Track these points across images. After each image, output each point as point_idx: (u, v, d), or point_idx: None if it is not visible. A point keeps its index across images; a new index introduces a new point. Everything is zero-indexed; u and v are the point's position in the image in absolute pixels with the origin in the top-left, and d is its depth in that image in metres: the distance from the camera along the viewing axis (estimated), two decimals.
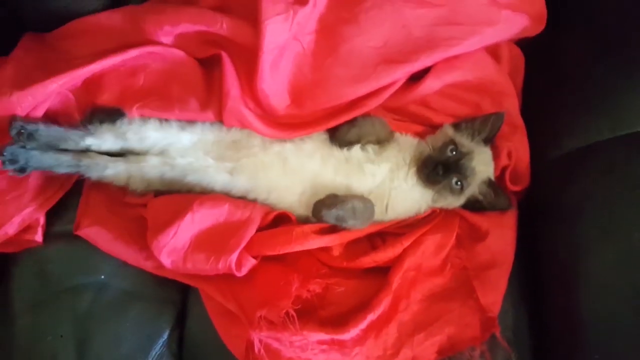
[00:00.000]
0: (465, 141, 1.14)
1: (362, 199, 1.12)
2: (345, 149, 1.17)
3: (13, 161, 1.12)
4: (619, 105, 1.06)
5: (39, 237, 1.18)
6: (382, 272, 1.10)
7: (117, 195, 1.21)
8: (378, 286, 1.08)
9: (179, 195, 1.17)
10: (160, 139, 1.18)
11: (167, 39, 1.18)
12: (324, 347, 1.03)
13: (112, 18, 1.22)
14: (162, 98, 1.17)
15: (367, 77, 1.12)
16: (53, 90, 1.14)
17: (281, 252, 1.10)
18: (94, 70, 1.16)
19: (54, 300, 1.15)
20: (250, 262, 1.08)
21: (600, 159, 1.04)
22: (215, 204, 1.11)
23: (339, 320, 1.05)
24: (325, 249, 1.14)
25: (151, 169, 1.17)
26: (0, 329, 1.17)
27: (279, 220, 1.17)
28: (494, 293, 1.06)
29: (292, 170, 1.16)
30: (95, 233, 1.16)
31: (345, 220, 1.09)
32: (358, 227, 1.12)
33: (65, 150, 1.17)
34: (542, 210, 1.14)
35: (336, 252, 1.14)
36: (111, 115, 1.17)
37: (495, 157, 1.16)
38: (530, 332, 1.11)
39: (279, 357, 1.03)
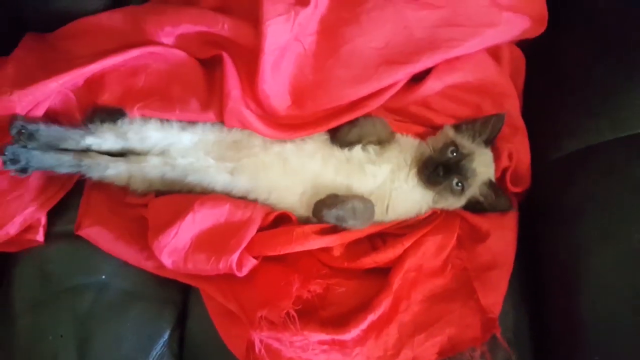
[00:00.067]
0: (466, 142, 1.14)
1: (363, 199, 1.13)
2: (346, 150, 1.17)
3: (14, 161, 1.12)
4: (619, 106, 1.06)
5: (40, 237, 1.18)
6: (383, 272, 1.10)
7: (118, 196, 1.21)
8: (379, 287, 1.08)
9: (179, 196, 1.17)
10: (161, 139, 1.18)
11: (168, 40, 1.18)
12: (325, 347, 1.03)
13: (113, 18, 1.22)
14: (163, 98, 1.17)
15: (368, 78, 1.13)
16: (53, 90, 1.14)
17: (282, 253, 1.10)
18: (95, 70, 1.16)
19: (54, 300, 1.15)
20: (251, 263, 1.09)
21: (600, 161, 1.05)
22: (216, 204, 1.11)
23: (340, 321, 1.05)
24: (326, 250, 1.14)
25: (152, 169, 1.17)
26: (1, 329, 1.17)
27: (280, 220, 1.17)
28: (494, 294, 1.06)
29: (293, 171, 1.16)
30: (96, 233, 1.17)
31: (345, 220, 1.09)
32: (358, 228, 1.12)
33: (66, 150, 1.17)
34: (543, 211, 1.14)
35: (337, 253, 1.14)
36: (112, 114, 1.17)
37: (496, 158, 1.16)
38: (530, 333, 1.11)
39: (280, 357, 1.03)
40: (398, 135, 1.21)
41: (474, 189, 1.13)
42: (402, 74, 1.14)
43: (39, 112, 1.16)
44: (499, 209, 1.13)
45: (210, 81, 1.18)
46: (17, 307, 1.16)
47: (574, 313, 1.00)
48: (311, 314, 1.06)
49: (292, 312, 1.01)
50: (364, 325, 1.04)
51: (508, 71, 1.23)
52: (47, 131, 1.15)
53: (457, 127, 1.17)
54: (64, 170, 1.16)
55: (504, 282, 1.07)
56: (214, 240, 1.09)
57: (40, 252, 1.19)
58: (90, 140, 1.17)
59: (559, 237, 1.07)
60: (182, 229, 1.08)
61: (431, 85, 1.17)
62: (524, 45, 1.25)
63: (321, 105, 1.15)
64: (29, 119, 1.14)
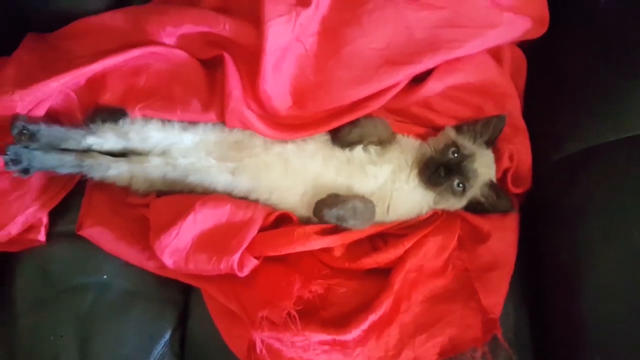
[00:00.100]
0: (467, 143, 1.14)
1: (363, 199, 1.13)
2: (347, 150, 1.17)
3: (16, 161, 1.12)
4: (620, 107, 1.06)
5: (41, 236, 1.19)
6: (384, 273, 1.10)
7: (120, 196, 1.21)
8: (379, 287, 1.08)
9: (181, 196, 1.17)
10: (163, 139, 1.18)
11: (169, 40, 1.18)
12: (326, 347, 1.03)
13: (114, 18, 1.22)
14: (164, 99, 1.17)
15: (369, 79, 1.13)
16: (55, 89, 1.14)
17: (283, 253, 1.10)
18: (96, 70, 1.16)
19: (56, 299, 1.16)
20: (252, 263, 1.09)
21: (602, 162, 1.04)
22: (217, 204, 1.11)
23: (341, 321, 1.05)
24: (327, 250, 1.14)
25: (154, 169, 1.17)
26: (3, 329, 1.17)
27: (281, 220, 1.17)
28: (495, 295, 1.06)
29: (294, 171, 1.16)
30: (97, 233, 1.17)
31: (345, 220, 1.09)
32: (358, 228, 1.12)
33: (68, 150, 1.17)
34: (544, 212, 1.14)
35: (338, 253, 1.14)
36: (114, 114, 1.17)
37: (497, 159, 1.16)
38: (531, 334, 1.11)
39: (281, 357, 1.03)
40: (399, 136, 1.21)
41: (475, 190, 1.13)
42: (403, 74, 1.14)
43: (40, 111, 1.16)
44: (500, 210, 1.13)
45: (212, 81, 1.18)
46: (19, 306, 1.16)
47: (575, 313, 1.00)
48: (312, 314, 1.06)
49: (293, 313, 1.01)
50: (365, 325, 1.04)
51: (509, 72, 1.23)
52: (48, 131, 1.15)
53: (458, 128, 1.17)
54: (65, 170, 1.16)
55: (505, 283, 1.08)
56: (215, 241, 1.09)
57: (42, 252, 1.20)
58: (92, 140, 1.17)
59: (560, 238, 1.07)
60: (184, 229, 1.08)
61: (432, 86, 1.18)
62: (525, 45, 1.25)
63: (322, 106, 1.15)
64: (30, 119, 1.14)
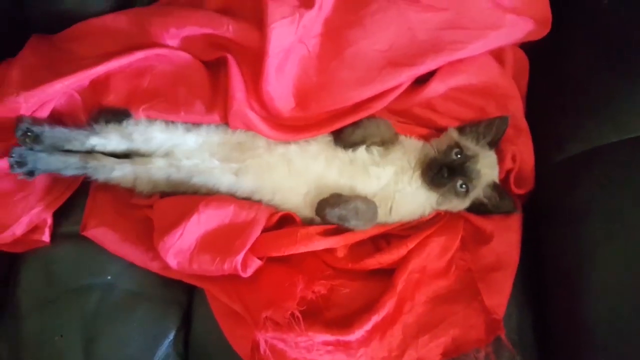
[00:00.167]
0: (470, 144, 1.14)
1: (366, 200, 1.13)
2: (349, 151, 1.18)
3: (21, 163, 1.12)
4: (623, 108, 1.06)
5: (46, 237, 1.19)
6: (387, 274, 1.11)
7: (124, 197, 1.22)
8: (383, 288, 1.08)
9: (184, 197, 1.18)
10: (166, 140, 1.19)
11: (173, 42, 1.19)
12: (330, 348, 1.04)
13: (118, 20, 1.22)
14: (168, 100, 1.17)
15: (372, 80, 1.13)
16: (59, 91, 1.14)
17: (286, 254, 1.10)
18: (100, 72, 1.16)
19: (60, 300, 1.16)
20: (255, 263, 1.09)
21: (604, 163, 1.05)
22: (220, 205, 1.12)
23: (344, 322, 1.05)
24: (330, 251, 1.14)
25: (158, 170, 1.17)
26: (8, 329, 1.17)
27: (284, 221, 1.17)
28: (499, 295, 1.06)
29: (297, 172, 1.17)
30: (102, 234, 1.17)
31: (347, 220, 1.10)
32: (361, 228, 1.13)
33: (72, 152, 1.17)
34: (546, 213, 1.14)
35: (341, 254, 1.14)
36: (117, 115, 1.18)
37: (500, 160, 1.17)
38: (534, 334, 1.11)
39: (285, 357, 1.03)
40: (402, 137, 1.21)
41: (478, 191, 1.14)
42: (406, 76, 1.14)
43: (44, 112, 1.17)
44: (502, 211, 1.13)
45: (215, 83, 1.18)
46: (23, 307, 1.17)
47: (578, 314, 1.00)
48: (316, 315, 1.07)
49: (297, 313, 1.02)
50: (368, 326, 1.04)
51: (511, 73, 1.23)
52: (52, 132, 1.15)
53: (461, 129, 1.18)
54: (70, 172, 1.16)
55: (508, 284, 1.08)
56: (218, 241, 1.09)
57: (46, 253, 1.20)
58: (95, 141, 1.17)
59: (563, 238, 1.07)
60: (187, 230, 1.08)
61: (435, 88, 1.18)
62: (527, 47, 1.25)
63: (325, 107, 1.16)
64: (34, 120, 1.14)
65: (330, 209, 1.09)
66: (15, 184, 1.17)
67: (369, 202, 1.13)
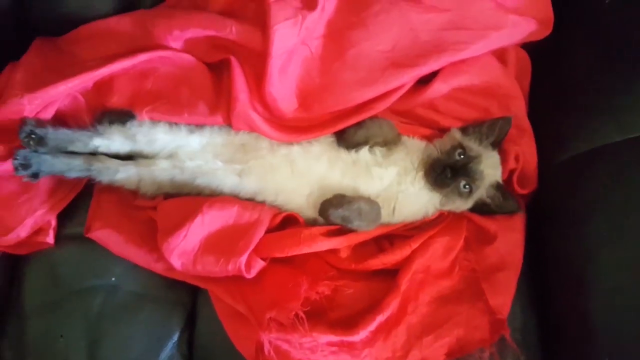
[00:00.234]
0: (473, 145, 1.14)
1: (369, 200, 1.13)
2: (352, 152, 1.18)
3: (25, 166, 1.13)
4: (625, 107, 1.06)
5: (50, 239, 1.19)
6: (390, 274, 1.11)
7: (128, 198, 1.22)
8: (386, 288, 1.08)
9: (188, 198, 1.18)
10: (170, 141, 1.19)
11: (176, 44, 1.19)
12: (334, 348, 1.04)
13: (121, 22, 1.23)
14: (171, 102, 1.18)
15: (374, 81, 1.13)
16: (62, 92, 1.14)
17: (290, 254, 1.10)
18: (104, 74, 1.17)
19: (65, 302, 1.16)
20: (259, 264, 1.09)
21: (607, 162, 1.05)
22: (224, 206, 1.12)
23: (348, 322, 1.05)
24: (333, 251, 1.14)
25: (162, 172, 1.17)
26: (12, 331, 1.17)
27: (287, 222, 1.18)
28: (503, 295, 1.06)
29: (300, 173, 1.17)
30: (106, 235, 1.17)
31: (351, 220, 1.10)
32: (364, 229, 1.13)
33: (75, 154, 1.17)
34: (550, 213, 1.14)
35: (344, 255, 1.14)
36: (121, 116, 1.18)
37: (503, 160, 1.17)
38: (539, 334, 1.11)
39: (289, 358, 1.03)
40: (405, 138, 1.21)
41: (482, 191, 1.14)
42: (409, 76, 1.14)
43: (48, 114, 1.17)
44: (506, 211, 1.13)
45: (218, 85, 1.19)
46: (28, 309, 1.17)
47: (583, 314, 1.00)
48: (320, 316, 1.07)
49: (301, 314, 1.02)
50: (372, 326, 1.04)
51: (514, 73, 1.23)
52: (55, 134, 1.15)
53: (464, 130, 1.18)
54: (74, 174, 1.16)
55: (512, 284, 1.08)
56: (222, 242, 1.09)
57: (50, 255, 1.20)
58: (98, 142, 1.17)
59: (567, 239, 1.07)
60: (191, 231, 1.09)
61: (437, 88, 1.18)
62: (529, 46, 1.25)
63: (328, 108, 1.16)
64: (38, 123, 1.14)
65: (334, 209, 1.10)
66: (20, 186, 1.18)
67: (372, 203, 1.13)
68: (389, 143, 1.19)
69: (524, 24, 1.17)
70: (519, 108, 1.20)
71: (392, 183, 1.17)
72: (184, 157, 1.18)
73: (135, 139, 1.18)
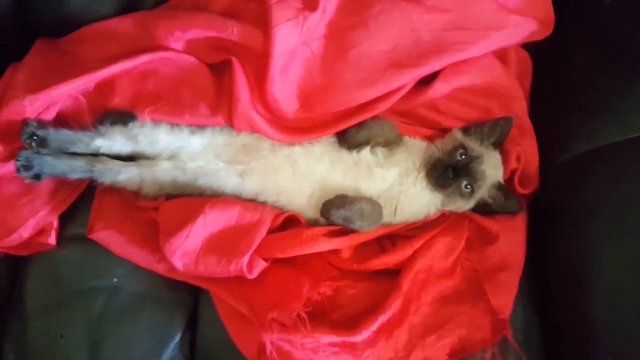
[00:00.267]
0: (474, 145, 1.14)
1: (371, 201, 1.13)
2: (354, 152, 1.18)
3: (27, 167, 1.13)
4: (627, 107, 1.06)
5: (52, 240, 1.19)
6: (392, 274, 1.11)
7: (130, 199, 1.22)
8: (388, 288, 1.08)
9: (190, 199, 1.18)
10: (171, 142, 1.19)
11: (177, 45, 1.19)
12: (336, 349, 1.04)
13: (123, 23, 1.23)
14: (173, 103, 1.18)
15: (376, 81, 1.13)
16: (64, 93, 1.15)
17: (291, 255, 1.10)
18: (105, 75, 1.17)
19: (66, 303, 1.16)
20: (261, 265, 1.09)
21: (609, 162, 1.05)
22: (226, 207, 1.12)
23: (350, 323, 1.05)
24: (335, 252, 1.14)
25: (163, 173, 1.17)
26: (14, 331, 1.18)
27: (289, 223, 1.18)
28: (505, 295, 1.06)
29: (301, 173, 1.17)
30: (107, 236, 1.17)
31: (352, 221, 1.10)
32: (365, 229, 1.13)
33: (77, 155, 1.18)
34: (552, 213, 1.14)
35: (346, 255, 1.14)
36: (123, 117, 1.18)
37: (505, 160, 1.17)
38: (541, 334, 1.12)
39: (291, 359, 1.03)
40: (406, 138, 1.21)
41: (483, 191, 1.14)
42: (410, 77, 1.14)
43: (50, 115, 1.17)
44: (508, 211, 1.13)
45: (220, 86, 1.19)
46: (30, 309, 1.17)
47: (585, 314, 1.00)
48: (321, 316, 1.07)
49: (303, 314, 1.02)
50: (374, 326, 1.04)
51: (515, 73, 1.23)
52: (57, 135, 1.15)
53: (465, 130, 1.18)
54: (76, 175, 1.16)
55: (514, 284, 1.08)
56: (224, 243, 1.09)
57: (52, 256, 1.20)
58: (100, 142, 1.17)
59: (569, 238, 1.07)
60: (193, 232, 1.09)
61: (439, 88, 1.18)
62: (531, 47, 1.25)
63: (329, 109, 1.16)
64: (39, 124, 1.14)
65: (336, 210, 1.10)
66: (22, 187, 1.18)
67: (374, 203, 1.13)
68: (391, 143, 1.19)
69: (525, 24, 1.17)
70: (520, 108, 1.20)
71: (394, 183, 1.17)
72: (186, 158, 1.18)
73: (136, 139, 1.18)
